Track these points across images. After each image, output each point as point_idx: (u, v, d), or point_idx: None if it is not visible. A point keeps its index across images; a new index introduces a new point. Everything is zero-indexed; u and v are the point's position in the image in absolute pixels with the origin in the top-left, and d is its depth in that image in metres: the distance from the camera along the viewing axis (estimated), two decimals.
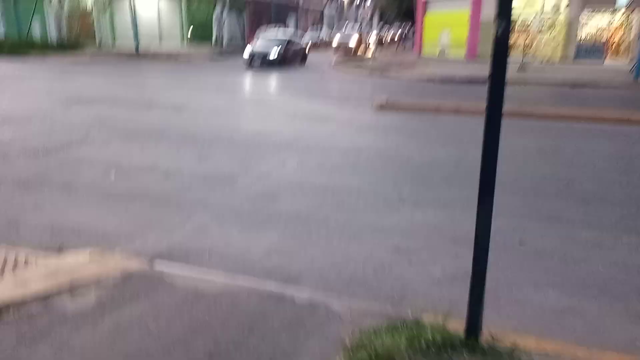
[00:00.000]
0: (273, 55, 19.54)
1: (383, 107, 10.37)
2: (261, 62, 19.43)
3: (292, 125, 8.49)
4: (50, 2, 25.73)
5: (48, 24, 27.87)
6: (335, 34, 36.36)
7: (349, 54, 29.17)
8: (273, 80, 16.37)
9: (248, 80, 16.00)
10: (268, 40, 20.97)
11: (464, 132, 7.85)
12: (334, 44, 31.50)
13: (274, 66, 19.44)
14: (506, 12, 1.75)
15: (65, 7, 26.93)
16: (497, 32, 1.79)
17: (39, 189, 4.89)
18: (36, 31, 30.24)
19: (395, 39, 45.65)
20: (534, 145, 7.04)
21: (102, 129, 7.72)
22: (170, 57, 24.81)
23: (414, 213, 4.35)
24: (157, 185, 5.07)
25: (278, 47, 20.01)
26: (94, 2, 30.71)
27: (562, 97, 12.72)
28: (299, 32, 34.88)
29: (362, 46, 30.91)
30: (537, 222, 4.15)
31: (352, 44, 30.21)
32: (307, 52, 23.29)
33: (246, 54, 19.92)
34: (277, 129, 8.01)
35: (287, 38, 21.71)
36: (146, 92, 12.60)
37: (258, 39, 21.88)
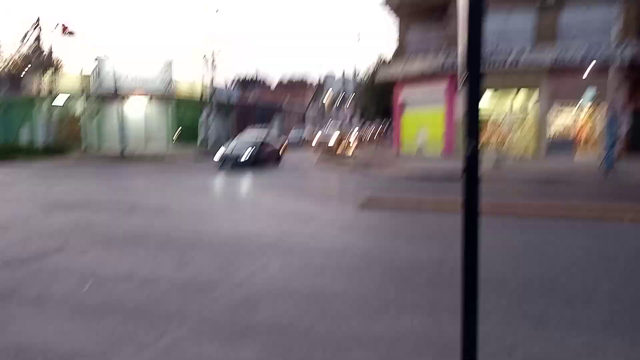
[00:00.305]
0: (245, 157, 19.57)
1: (365, 205, 10.48)
2: (233, 164, 19.35)
3: (274, 225, 8.46)
4: (41, 109, 26.52)
5: (36, 129, 28.55)
6: (317, 133, 37.96)
7: (329, 152, 30.23)
8: (255, 180, 16.61)
9: (231, 181, 16.21)
10: (241, 142, 21.13)
11: (446, 229, 7.89)
12: (314, 143, 32.89)
13: (246, 168, 19.39)
14: (474, 133, 1.82)
15: (55, 113, 27.75)
16: (467, 151, 1.85)
17: (7, 303, 4.66)
18: (24, 137, 30.90)
19: (375, 137, 47.57)
20: (515, 244, 7.07)
21: (81, 235, 7.58)
22: (155, 159, 25.27)
23: (400, 319, 4.20)
24: (133, 295, 4.87)
25: (251, 148, 20.08)
26: (83, 108, 31.79)
27: (538, 193, 13.05)
28: (276, 132, 36.28)
29: (342, 144, 32.17)
30: (525, 325, 4.03)
31: (332, 142, 31.34)
32: (281, 153, 23.57)
33: (217, 157, 19.93)
34: (259, 230, 7.96)
35: (261, 140, 21.84)
36: (128, 195, 12.63)
37: (231, 141, 22.20)
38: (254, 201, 11.71)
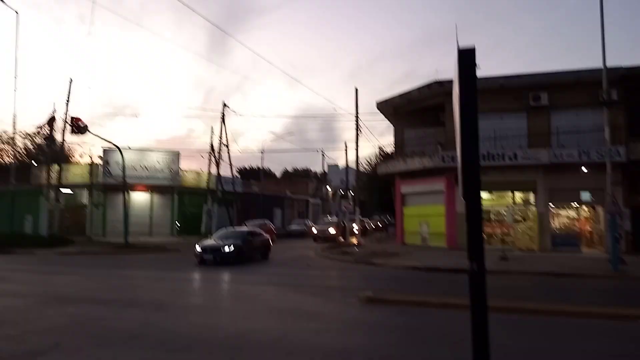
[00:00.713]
0: (229, 249, 17.77)
1: (370, 301, 10.22)
2: (214, 257, 17.56)
3: (276, 322, 8.22)
4: (48, 197, 26.91)
5: (42, 218, 28.75)
6: (319, 222, 38.05)
7: (330, 242, 30.21)
8: (254, 273, 16.38)
9: (231, 273, 15.98)
10: (228, 233, 19.95)
11: (454, 329, 7.64)
12: (314, 232, 33.17)
13: (231, 260, 17.61)
14: (478, 254, 1.86)
15: (60, 202, 28.11)
16: (471, 270, 1.88)
17: None
18: (28, 226, 31.05)
19: (379, 227, 47.55)
20: (528, 346, 6.81)
21: (77, 332, 7.36)
22: (158, 249, 25.15)
23: None
24: None
25: (236, 239, 18.54)
26: (89, 197, 32.26)
27: (547, 288, 12.79)
28: (270, 222, 36.48)
29: (342, 234, 32.17)
30: None
31: (331, 232, 31.96)
32: (270, 244, 21.58)
33: (199, 247, 18.00)
34: (260, 327, 7.72)
35: (250, 230, 20.76)
36: (128, 287, 12.41)
37: (219, 231, 21.07)
38: (255, 295, 11.46)
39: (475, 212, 1.88)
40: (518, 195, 23.52)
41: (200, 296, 11.33)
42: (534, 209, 22.81)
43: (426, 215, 25.57)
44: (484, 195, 21.97)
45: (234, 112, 35.48)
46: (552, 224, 22.74)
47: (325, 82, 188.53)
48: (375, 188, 40.81)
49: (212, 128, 34.23)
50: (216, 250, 17.76)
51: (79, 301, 10.02)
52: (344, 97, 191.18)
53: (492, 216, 23.28)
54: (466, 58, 2.10)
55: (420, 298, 10.55)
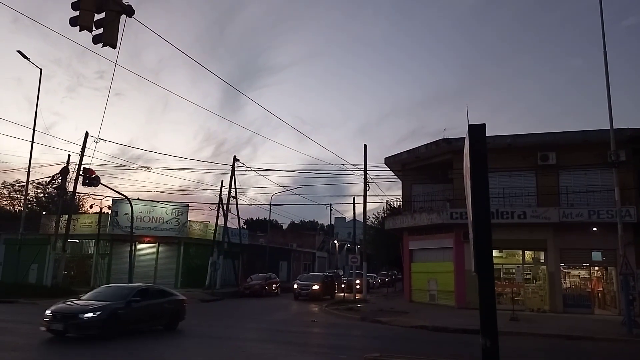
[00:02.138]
0: (92, 315, 11.93)
1: None
2: (65, 327, 11.75)
3: None
4: (55, 247, 26.91)
5: (47, 268, 28.65)
6: (301, 277, 32.96)
7: (315, 301, 27.55)
8: (258, 329, 16.01)
9: (230, 324, 15.62)
10: (104, 292, 13.91)
11: None
12: (295, 287, 28.92)
13: (92, 332, 11.75)
14: (491, 330, 1.86)
15: (68, 251, 28.07)
16: (484, 347, 1.86)
17: None
18: (33, 276, 30.87)
19: (386, 282, 46.68)
20: None
21: None
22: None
23: None
24: None
25: (114, 300, 12.74)
26: (96, 248, 32.22)
27: (560, 352, 12.36)
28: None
29: (330, 291, 30.44)
30: None
31: (315, 288, 28.53)
32: (184, 308, 15.28)
33: (49, 311, 12.34)
34: None
35: (142, 287, 14.33)
36: (127, 340, 12.14)
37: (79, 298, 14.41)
38: (257, 355, 11.15)
39: (487, 287, 1.89)
40: (528, 254, 23.18)
41: (200, 356, 11.03)
42: (544, 268, 22.42)
43: (434, 272, 25.18)
44: (494, 253, 21.71)
45: (244, 165, 35.94)
46: (563, 284, 22.26)
47: (334, 137, 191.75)
48: (382, 242, 40.38)
49: (222, 182, 34.61)
50: (71, 316, 11.97)
51: (79, 356, 9.82)
52: (353, 151, 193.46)
53: (502, 275, 22.87)
54: (476, 133, 2.17)
55: None
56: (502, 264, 22.99)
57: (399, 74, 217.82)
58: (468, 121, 2.13)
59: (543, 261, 22.59)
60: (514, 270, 22.83)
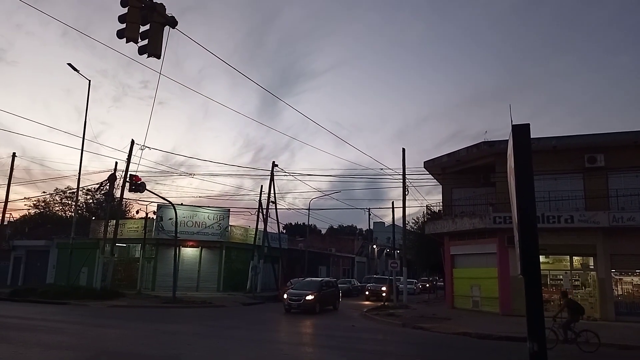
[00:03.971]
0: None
1: None
2: None
3: None
4: (103, 251, 27.96)
5: (95, 270, 29.79)
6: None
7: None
8: (301, 333, 16.08)
9: (272, 332, 15.77)
10: None
11: None
12: (285, 297, 23.53)
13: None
14: (538, 334, 1.82)
15: (116, 255, 29.11)
16: (531, 351, 1.83)
17: None
18: (84, 279, 32.17)
19: (427, 288, 45.92)
20: None
21: None
22: (204, 303, 25.35)
23: None
24: None
25: None
26: (142, 252, 33.28)
27: None
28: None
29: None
30: None
31: (309, 297, 22.95)
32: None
33: None
34: None
35: None
36: (175, 343, 12.45)
37: None
38: (295, 357, 11.21)
39: (534, 291, 1.85)
40: (576, 260, 22.30)
41: (239, 356, 11.19)
42: (594, 274, 21.52)
43: (477, 277, 24.60)
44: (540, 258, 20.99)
45: (283, 170, 36.28)
46: (615, 291, 21.28)
47: (372, 141, 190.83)
48: (422, 247, 39.78)
49: (261, 187, 35.06)
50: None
51: (125, 356, 10.16)
52: (391, 155, 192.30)
53: (548, 281, 22.09)
54: (521, 133, 2.14)
55: None
56: (549, 270, 22.22)
57: (438, 77, 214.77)
58: (512, 121, 2.10)
59: (592, 267, 21.69)
60: (561, 277, 22.03)
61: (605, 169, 21.95)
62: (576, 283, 21.78)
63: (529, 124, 2.07)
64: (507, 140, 2.73)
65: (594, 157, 21.93)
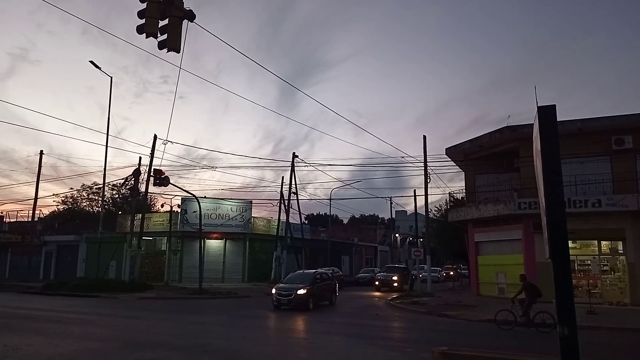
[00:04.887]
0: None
1: (446, 356, 9.75)
2: None
3: None
4: (130, 244, 28.55)
5: (124, 265, 30.48)
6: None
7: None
8: (325, 321, 16.19)
9: (298, 319, 15.91)
10: None
11: None
12: (273, 292, 20.33)
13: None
14: (568, 317, 1.80)
15: (142, 248, 29.73)
16: (561, 334, 1.81)
17: None
18: (112, 272, 32.96)
19: (451, 276, 45.69)
20: None
21: None
22: (230, 294, 25.74)
23: None
24: None
25: None
26: (167, 245, 33.89)
27: None
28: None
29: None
30: None
31: (301, 292, 19.43)
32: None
33: None
34: None
35: None
36: (202, 332, 12.68)
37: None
38: (325, 346, 11.31)
39: (563, 273, 1.83)
40: (604, 244, 21.85)
41: (272, 345, 11.36)
42: (623, 259, 21.07)
43: (503, 264, 24.33)
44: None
45: (303, 161, 36.36)
46: None
47: (392, 129, 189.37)
48: (446, 235, 39.50)
49: (282, 178, 35.24)
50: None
51: (156, 346, 10.39)
52: (412, 142, 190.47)
53: (576, 266, 21.72)
54: (546, 115, 2.10)
55: (501, 355, 9.90)
56: (577, 255, 21.82)
57: (457, 61, 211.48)
58: (537, 103, 2.06)
59: (622, 251, 21.23)
60: (589, 262, 21.62)
61: (634, 151, 21.39)
62: (605, 268, 21.37)
63: (554, 105, 2.03)
64: (531, 124, 2.69)
65: (622, 139, 21.37)
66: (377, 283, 32.31)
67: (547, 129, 2.02)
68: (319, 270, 24.72)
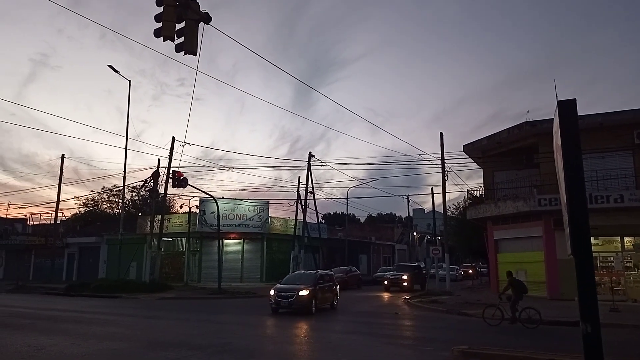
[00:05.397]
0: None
1: (466, 355, 9.68)
2: None
3: None
4: (150, 245, 28.91)
5: (144, 265, 30.89)
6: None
7: (301, 311, 26.85)
8: (343, 321, 16.18)
9: (319, 320, 15.92)
10: None
11: None
12: (272, 293, 18.15)
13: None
14: (591, 314, 1.77)
15: (162, 249, 30.10)
16: (584, 332, 1.78)
17: None
18: (133, 273, 33.43)
19: (470, 274, 45.25)
20: None
21: None
22: (248, 294, 25.90)
23: None
24: None
25: None
26: (186, 245, 34.24)
27: None
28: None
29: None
30: None
31: (303, 293, 17.49)
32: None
33: None
34: None
35: None
36: (221, 332, 12.78)
37: None
38: (344, 346, 11.30)
39: (585, 269, 1.80)
40: (627, 240, 21.40)
41: (292, 344, 11.40)
42: None
43: (523, 262, 24.01)
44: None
45: (319, 160, 36.37)
46: None
47: (408, 127, 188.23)
48: (464, 233, 39.13)
49: (299, 178, 35.31)
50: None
51: (177, 346, 10.50)
52: (429, 140, 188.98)
53: (598, 263, 21.32)
54: (566, 110, 2.07)
55: (522, 353, 9.79)
56: (599, 252, 21.41)
57: (474, 57, 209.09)
58: (556, 97, 2.03)
59: None
60: (612, 258, 21.22)
61: None
62: (628, 265, 20.95)
63: (575, 99, 2.00)
64: (551, 119, 2.65)
65: None
66: (385, 283, 30.72)
67: (568, 123, 1.99)
68: (320, 270, 22.87)
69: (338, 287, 20.64)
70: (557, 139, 2.24)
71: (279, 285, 18.43)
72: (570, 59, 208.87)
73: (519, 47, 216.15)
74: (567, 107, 2.00)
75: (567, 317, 14.36)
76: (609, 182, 21.38)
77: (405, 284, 29.90)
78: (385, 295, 28.00)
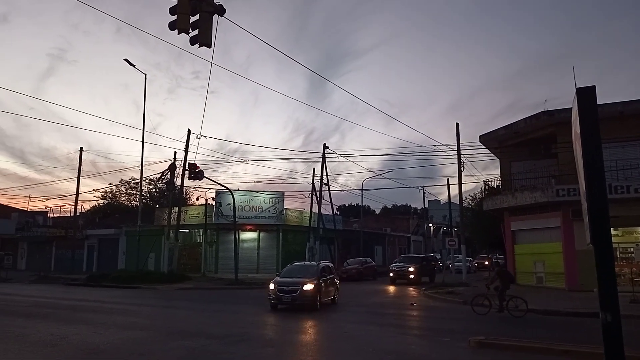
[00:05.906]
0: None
1: (482, 345, 9.66)
2: None
3: None
4: (168, 237, 29.29)
5: (162, 257, 31.32)
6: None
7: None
8: (358, 312, 16.23)
9: (330, 312, 15.99)
10: None
11: None
12: (272, 287, 16.39)
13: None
14: (611, 303, 1.76)
15: (180, 240, 30.48)
16: (604, 321, 1.78)
17: None
18: (151, 264, 33.95)
19: (487, 266, 44.96)
20: None
21: None
22: (264, 284, 26.09)
23: None
24: None
25: None
26: (203, 237, 34.62)
27: None
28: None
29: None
30: None
31: (308, 287, 16.07)
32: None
33: None
34: None
35: None
36: (239, 322, 12.93)
37: None
38: (359, 336, 11.36)
39: (605, 258, 1.79)
40: None
41: (307, 334, 11.50)
42: None
43: (541, 253, 23.77)
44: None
45: (334, 152, 36.36)
46: None
47: (423, 118, 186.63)
48: (481, 224, 38.81)
49: (313, 169, 35.36)
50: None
51: (195, 335, 10.67)
52: (444, 131, 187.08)
53: (618, 254, 21.00)
54: (586, 97, 2.04)
55: (539, 344, 9.74)
56: (619, 243, 21.08)
57: (489, 46, 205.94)
58: (575, 84, 2.01)
59: None
60: (632, 249, 20.88)
61: None
62: None
63: (594, 86, 1.97)
64: (569, 108, 2.62)
65: None
66: (391, 275, 28.98)
67: (587, 111, 1.96)
68: (322, 263, 20.16)
69: (338, 281, 19.24)
70: (575, 127, 2.21)
71: (279, 279, 16.63)
72: (588, 47, 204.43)
73: (535, 35, 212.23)
74: (586, 94, 1.97)
75: (586, 308, 14.21)
76: (629, 172, 21.00)
77: (412, 276, 28.24)
78: (391, 288, 26.62)
